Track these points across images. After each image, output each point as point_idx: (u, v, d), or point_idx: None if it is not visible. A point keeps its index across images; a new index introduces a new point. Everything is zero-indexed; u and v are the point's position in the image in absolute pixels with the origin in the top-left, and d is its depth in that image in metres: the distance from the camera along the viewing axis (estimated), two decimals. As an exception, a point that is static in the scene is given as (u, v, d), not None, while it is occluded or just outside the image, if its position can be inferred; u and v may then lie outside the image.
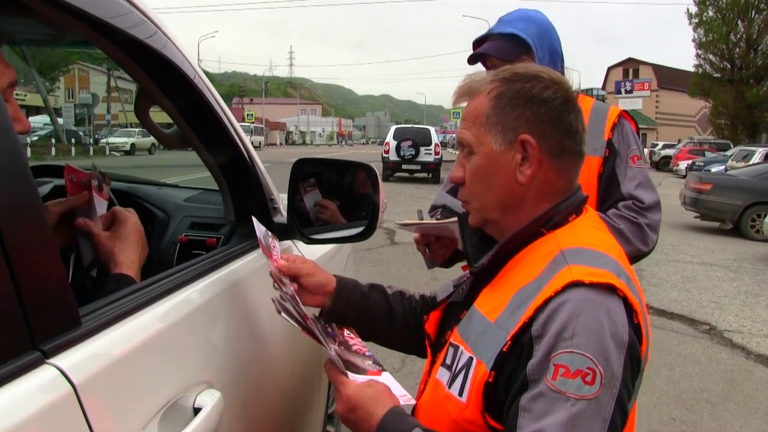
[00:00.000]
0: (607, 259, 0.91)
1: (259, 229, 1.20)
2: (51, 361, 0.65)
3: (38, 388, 0.62)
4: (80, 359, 0.69)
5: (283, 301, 1.05)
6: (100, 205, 1.18)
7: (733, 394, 3.80)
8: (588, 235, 0.97)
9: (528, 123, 0.96)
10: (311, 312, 1.21)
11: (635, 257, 1.71)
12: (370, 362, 1.15)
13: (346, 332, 1.22)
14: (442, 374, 0.98)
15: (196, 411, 0.87)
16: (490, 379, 0.87)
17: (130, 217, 1.16)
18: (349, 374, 1.03)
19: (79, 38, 1.38)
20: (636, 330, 0.86)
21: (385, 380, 1.09)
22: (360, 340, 1.23)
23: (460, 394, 0.91)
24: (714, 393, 3.80)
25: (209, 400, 0.90)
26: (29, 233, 0.65)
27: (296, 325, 1.03)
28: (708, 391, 3.83)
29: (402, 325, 1.27)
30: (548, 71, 1.01)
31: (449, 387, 0.94)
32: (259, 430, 1.21)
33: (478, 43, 1.78)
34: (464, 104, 1.06)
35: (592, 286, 0.85)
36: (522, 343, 0.85)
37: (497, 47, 1.70)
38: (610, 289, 0.86)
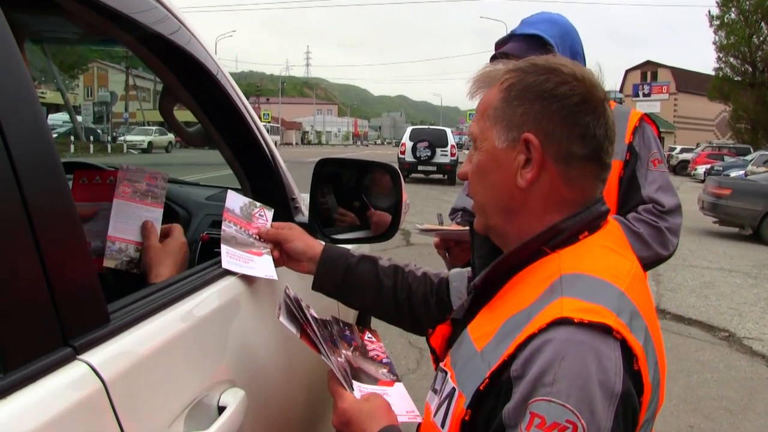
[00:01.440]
0: (611, 291, 0.78)
1: (235, 199, 1.23)
2: (82, 357, 0.65)
3: (69, 384, 0.62)
4: (109, 356, 0.69)
5: (288, 305, 1.02)
6: (154, 215, 1.20)
7: (754, 403, 3.74)
8: (595, 258, 0.83)
9: (535, 120, 0.85)
10: (329, 314, 1.20)
11: (655, 261, 1.69)
12: (385, 371, 1.12)
13: (367, 335, 1.21)
14: (430, 398, 0.92)
15: (221, 409, 0.87)
16: (467, 418, 0.79)
17: (182, 237, 1.21)
18: (355, 385, 1.00)
19: (105, 35, 1.40)
20: (635, 377, 0.74)
21: (396, 393, 1.06)
22: (381, 345, 1.22)
23: (442, 425, 0.84)
24: (733, 401, 3.74)
25: (233, 399, 0.90)
26: (61, 230, 0.66)
27: (294, 332, 0.99)
28: (727, 399, 3.77)
29: (390, 299, 1.24)
30: (572, 65, 0.89)
31: (434, 415, 0.87)
32: (279, 430, 1.22)
33: (500, 44, 1.79)
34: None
35: (582, 325, 0.73)
36: (501, 382, 0.76)
37: (519, 48, 1.70)
38: (604, 329, 0.73)
